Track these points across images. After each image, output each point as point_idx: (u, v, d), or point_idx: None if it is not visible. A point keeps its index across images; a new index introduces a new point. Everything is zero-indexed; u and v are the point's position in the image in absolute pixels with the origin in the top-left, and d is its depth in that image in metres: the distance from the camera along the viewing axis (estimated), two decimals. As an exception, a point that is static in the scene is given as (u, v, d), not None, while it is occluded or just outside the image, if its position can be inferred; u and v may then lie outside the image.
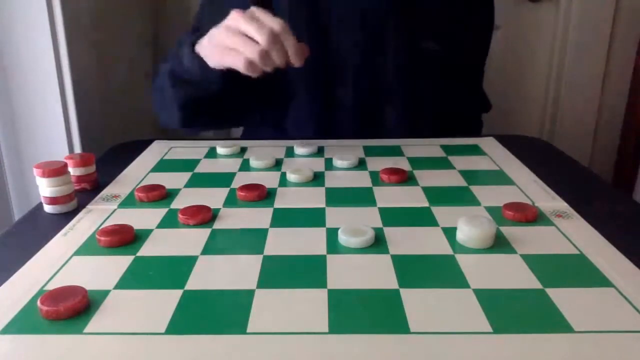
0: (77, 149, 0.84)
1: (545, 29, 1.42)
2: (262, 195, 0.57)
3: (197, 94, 0.71)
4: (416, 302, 0.38)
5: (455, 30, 0.81)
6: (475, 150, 0.73)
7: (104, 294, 0.39)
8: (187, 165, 0.68)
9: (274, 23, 0.59)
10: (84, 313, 0.37)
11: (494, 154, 0.71)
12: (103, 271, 0.43)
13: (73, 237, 0.49)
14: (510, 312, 0.36)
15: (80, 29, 0.84)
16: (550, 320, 0.36)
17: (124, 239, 0.47)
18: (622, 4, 1.36)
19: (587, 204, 0.54)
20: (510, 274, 0.41)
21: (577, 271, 0.42)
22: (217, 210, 0.54)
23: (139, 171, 0.66)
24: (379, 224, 0.50)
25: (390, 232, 0.48)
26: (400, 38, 0.78)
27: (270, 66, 0.61)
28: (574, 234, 0.48)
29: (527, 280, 0.40)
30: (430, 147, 0.74)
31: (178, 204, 0.55)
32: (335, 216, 0.52)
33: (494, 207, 0.53)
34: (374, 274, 0.41)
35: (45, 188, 0.54)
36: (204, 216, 0.51)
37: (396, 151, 0.72)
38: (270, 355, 0.33)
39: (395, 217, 0.52)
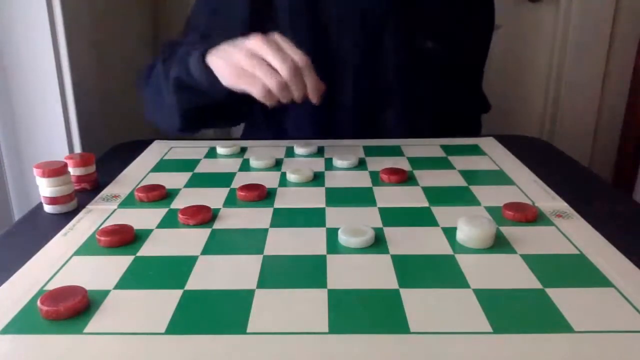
0: (77, 149, 0.84)
1: (545, 29, 1.42)
2: (262, 195, 0.57)
3: (202, 102, 0.70)
4: (416, 302, 0.38)
5: (455, 30, 0.81)
6: (475, 150, 0.73)
7: (104, 294, 0.39)
8: (187, 165, 0.68)
9: (297, 56, 0.59)
10: (84, 313, 0.37)
11: (494, 154, 0.71)
12: (103, 271, 0.43)
13: (73, 237, 0.49)
14: (510, 312, 0.36)
15: (80, 29, 0.84)
16: (550, 320, 0.36)
17: (124, 239, 0.47)
18: (622, 4, 1.36)
19: (587, 204, 0.54)
20: (510, 274, 0.41)
21: (577, 271, 0.42)
22: (217, 210, 0.54)
23: (139, 171, 0.66)
24: (379, 224, 0.50)
25: (390, 232, 0.48)
26: (400, 38, 0.78)
27: (286, 99, 0.60)
28: (574, 234, 0.48)
29: (527, 280, 0.40)
30: (430, 147, 0.74)
31: (178, 204, 0.55)
32: (335, 216, 0.52)
33: (494, 207, 0.53)
34: (374, 274, 0.41)
35: (45, 188, 0.54)
36: (204, 216, 0.51)
37: (396, 151, 0.72)
38: (270, 355, 0.33)
39: (395, 217, 0.52)
